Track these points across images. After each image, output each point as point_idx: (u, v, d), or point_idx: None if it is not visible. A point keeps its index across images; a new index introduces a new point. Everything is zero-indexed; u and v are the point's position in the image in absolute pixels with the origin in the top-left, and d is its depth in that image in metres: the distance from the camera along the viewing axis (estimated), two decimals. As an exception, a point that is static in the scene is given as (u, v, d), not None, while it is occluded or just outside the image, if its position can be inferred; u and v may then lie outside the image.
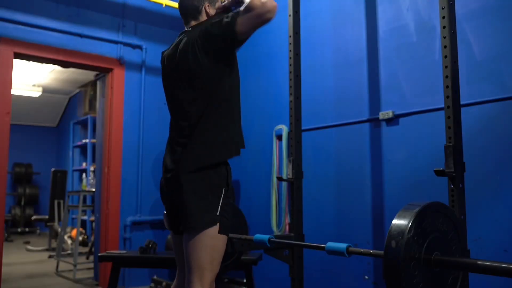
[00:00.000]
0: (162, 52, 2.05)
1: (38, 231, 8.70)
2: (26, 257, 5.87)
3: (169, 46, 2.04)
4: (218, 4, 1.95)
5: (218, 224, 1.70)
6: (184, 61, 1.79)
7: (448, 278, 1.54)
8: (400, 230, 1.40)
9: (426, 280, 1.42)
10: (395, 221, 1.45)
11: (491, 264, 1.42)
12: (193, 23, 1.93)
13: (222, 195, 1.74)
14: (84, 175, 7.24)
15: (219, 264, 1.74)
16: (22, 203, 8.78)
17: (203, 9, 1.92)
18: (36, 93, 7.46)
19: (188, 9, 1.92)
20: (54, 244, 6.40)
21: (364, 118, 3.01)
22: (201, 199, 1.70)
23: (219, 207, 1.72)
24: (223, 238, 1.73)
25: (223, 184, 1.76)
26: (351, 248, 1.73)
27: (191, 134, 1.76)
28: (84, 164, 7.56)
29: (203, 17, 1.92)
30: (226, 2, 1.86)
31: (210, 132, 1.77)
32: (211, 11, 1.93)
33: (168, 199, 1.84)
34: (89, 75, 6.57)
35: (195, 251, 1.68)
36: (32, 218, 8.07)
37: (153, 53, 4.33)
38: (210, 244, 1.69)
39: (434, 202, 1.51)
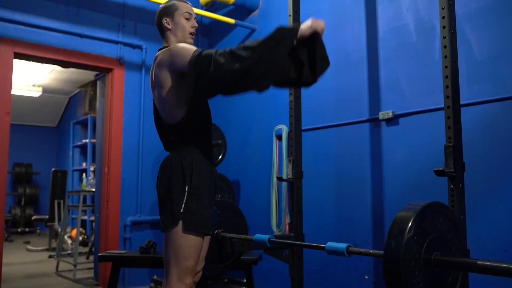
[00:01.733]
0: None
1: (38, 231, 8.70)
2: (26, 257, 5.87)
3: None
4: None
5: (180, 223, 1.76)
6: None
7: (448, 278, 1.54)
8: (400, 230, 1.40)
9: (426, 280, 1.42)
10: (395, 221, 1.45)
11: (491, 264, 1.42)
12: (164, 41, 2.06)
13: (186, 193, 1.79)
14: (84, 175, 7.24)
15: (188, 259, 1.76)
16: (22, 203, 8.78)
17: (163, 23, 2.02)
18: (36, 93, 7.46)
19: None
20: (54, 244, 6.40)
21: (364, 118, 3.01)
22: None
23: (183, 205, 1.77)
24: (188, 236, 1.76)
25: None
26: (351, 248, 1.73)
27: None
28: (84, 164, 7.57)
29: (168, 38, 2.03)
30: None
31: None
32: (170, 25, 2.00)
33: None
34: (89, 75, 6.58)
35: (164, 250, 1.82)
36: (32, 218, 8.07)
37: (153, 53, 4.29)
38: (174, 243, 1.77)
39: (434, 202, 1.51)
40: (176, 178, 1.79)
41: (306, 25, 1.68)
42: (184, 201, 1.76)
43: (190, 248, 1.75)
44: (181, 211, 1.76)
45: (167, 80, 1.80)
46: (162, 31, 2.03)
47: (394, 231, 1.42)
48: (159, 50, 1.97)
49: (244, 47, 1.56)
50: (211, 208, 1.87)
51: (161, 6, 2.03)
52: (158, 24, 2.03)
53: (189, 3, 2.05)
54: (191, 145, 1.85)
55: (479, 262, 1.43)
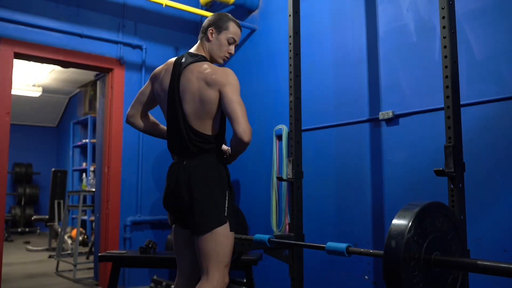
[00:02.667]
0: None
1: (38, 231, 8.70)
2: (26, 257, 5.87)
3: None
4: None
5: (225, 224, 1.91)
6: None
7: (448, 278, 1.53)
8: (400, 230, 1.40)
9: (426, 280, 1.42)
10: (395, 221, 1.45)
11: (491, 264, 1.42)
12: (199, 45, 2.08)
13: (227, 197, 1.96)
14: (84, 175, 7.24)
15: (228, 257, 1.93)
16: (22, 203, 8.79)
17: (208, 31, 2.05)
18: (36, 93, 7.46)
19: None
20: (54, 244, 6.40)
21: (364, 118, 3.01)
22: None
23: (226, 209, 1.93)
24: (229, 237, 1.93)
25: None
26: (351, 248, 1.73)
27: None
28: (84, 164, 7.57)
29: (205, 45, 2.06)
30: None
31: None
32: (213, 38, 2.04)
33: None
34: (89, 75, 6.58)
35: (201, 250, 1.89)
36: (32, 218, 8.07)
37: (153, 53, 4.33)
38: (216, 242, 1.88)
39: (434, 202, 1.51)
40: (217, 183, 1.93)
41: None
42: (227, 205, 1.93)
43: (231, 246, 1.93)
44: (225, 214, 1.91)
45: (214, 98, 1.91)
46: (203, 36, 2.06)
47: (394, 231, 1.41)
48: (190, 54, 2.02)
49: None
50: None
51: (217, 14, 2.07)
52: (203, 27, 2.06)
53: (241, 29, 2.10)
54: (218, 154, 2.01)
55: (479, 262, 1.43)
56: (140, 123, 2.25)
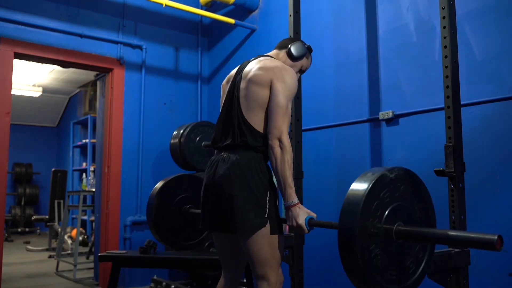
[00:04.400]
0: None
1: (38, 231, 8.70)
2: (26, 257, 5.86)
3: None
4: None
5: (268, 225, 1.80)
6: None
7: (414, 251, 1.44)
8: (356, 198, 1.30)
9: (387, 253, 1.33)
10: (352, 188, 1.35)
11: (462, 234, 1.34)
12: (275, 51, 2.08)
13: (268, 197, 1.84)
14: (84, 175, 7.24)
15: (279, 257, 1.85)
16: (22, 203, 8.78)
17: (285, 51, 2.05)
18: (36, 93, 7.46)
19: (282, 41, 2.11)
20: (54, 244, 6.40)
21: (364, 118, 3.01)
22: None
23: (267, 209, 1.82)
24: (277, 236, 1.83)
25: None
26: (312, 220, 1.75)
27: None
28: (84, 164, 7.56)
29: (282, 56, 2.05)
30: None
31: None
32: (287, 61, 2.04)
33: None
34: (89, 75, 6.57)
35: (255, 253, 1.80)
36: (32, 218, 8.06)
37: (153, 53, 4.33)
38: (267, 243, 1.80)
39: (396, 168, 1.42)
40: (258, 181, 1.83)
41: (295, 222, 1.78)
42: (268, 206, 1.83)
43: (277, 248, 1.84)
44: (266, 215, 1.81)
45: (267, 86, 1.86)
46: (290, 53, 2.03)
47: (349, 199, 1.32)
48: (266, 55, 2.03)
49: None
50: None
51: (306, 45, 2.09)
52: (288, 43, 2.05)
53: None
54: (264, 154, 1.90)
55: (449, 232, 1.35)
56: None
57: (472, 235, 1.31)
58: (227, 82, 2.04)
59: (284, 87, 1.84)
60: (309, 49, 2.09)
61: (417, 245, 1.46)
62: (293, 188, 1.80)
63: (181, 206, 2.46)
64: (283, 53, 2.04)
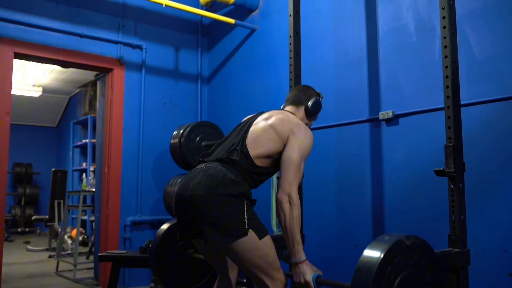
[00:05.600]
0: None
1: (38, 231, 8.70)
2: (26, 257, 5.86)
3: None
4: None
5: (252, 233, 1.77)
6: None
7: None
8: (370, 264, 1.30)
9: None
10: (366, 253, 1.34)
11: None
12: (292, 108, 2.12)
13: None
14: (84, 175, 7.24)
15: (274, 259, 1.83)
16: (22, 203, 8.78)
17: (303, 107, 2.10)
18: (36, 93, 7.46)
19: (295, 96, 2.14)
20: (54, 244, 6.40)
21: (364, 118, 3.01)
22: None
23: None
24: (264, 242, 1.80)
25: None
26: (320, 279, 1.75)
27: None
28: (84, 164, 7.56)
29: (300, 113, 2.10)
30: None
31: None
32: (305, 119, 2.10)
33: None
34: (89, 75, 6.57)
35: (246, 264, 1.79)
36: (32, 218, 8.06)
37: (153, 53, 4.33)
38: (255, 253, 1.77)
39: (411, 236, 1.42)
40: (235, 191, 1.79)
41: (302, 278, 1.78)
42: (246, 216, 1.78)
43: (269, 253, 1.81)
44: (246, 226, 1.77)
45: (282, 139, 1.89)
46: (308, 111, 2.09)
47: (363, 264, 1.31)
48: (287, 111, 2.09)
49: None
50: None
51: (319, 94, 2.16)
52: (310, 105, 2.09)
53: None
54: (246, 172, 1.88)
55: None
56: None
57: None
58: (244, 121, 2.09)
59: (301, 145, 1.87)
60: (320, 97, 2.16)
61: None
62: (301, 244, 1.80)
63: (184, 250, 2.43)
64: (302, 111, 2.08)
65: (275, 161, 1.90)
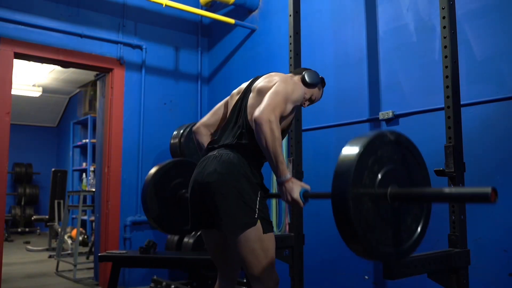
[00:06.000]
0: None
1: (38, 231, 8.70)
2: (26, 257, 5.87)
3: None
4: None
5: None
6: None
7: (411, 213, 1.41)
8: (348, 163, 1.27)
9: (383, 217, 1.31)
10: (343, 153, 1.31)
11: (457, 190, 1.31)
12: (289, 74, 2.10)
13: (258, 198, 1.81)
14: (84, 175, 7.24)
15: (271, 257, 1.82)
16: (22, 203, 8.78)
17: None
18: (36, 93, 7.46)
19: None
20: (54, 244, 6.40)
21: (364, 118, 3.01)
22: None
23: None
24: (268, 236, 1.80)
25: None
26: (307, 193, 1.74)
27: None
28: (84, 164, 7.56)
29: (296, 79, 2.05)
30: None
31: None
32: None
33: None
34: (89, 75, 6.57)
35: (246, 254, 1.78)
36: (32, 218, 8.06)
37: (153, 53, 4.33)
38: (259, 244, 1.77)
39: (387, 131, 1.39)
40: (247, 180, 1.80)
41: (289, 196, 1.76)
42: (258, 206, 1.79)
43: (269, 249, 1.81)
44: (256, 216, 1.78)
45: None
46: (303, 78, 2.03)
47: (340, 164, 1.27)
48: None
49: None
50: None
51: (322, 77, 2.10)
52: (306, 73, 2.04)
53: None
54: (258, 155, 1.86)
55: (444, 190, 1.32)
56: (207, 139, 2.11)
57: (466, 190, 1.30)
58: (237, 93, 2.06)
59: (286, 86, 1.86)
60: (322, 81, 2.10)
61: (414, 209, 1.43)
62: (285, 163, 1.76)
63: (176, 191, 2.44)
64: (297, 77, 2.05)
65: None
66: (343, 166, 1.29)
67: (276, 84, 1.86)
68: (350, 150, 1.30)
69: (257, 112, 1.74)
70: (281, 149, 1.75)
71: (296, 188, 1.74)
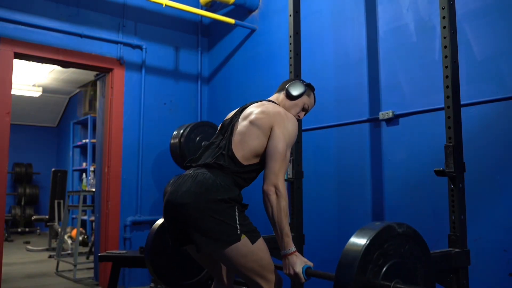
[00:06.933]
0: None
1: (38, 231, 8.70)
2: (26, 257, 5.86)
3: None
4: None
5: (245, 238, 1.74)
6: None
7: None
8: (353, 254, 1.26)
9: None
10: (350, 242, 1.31)
11: None
12: (275, 95, 2.09)
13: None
14: (84, 175, 7.23)
15: (268, 262, 1.80)
16: (22, 203, 8.78)
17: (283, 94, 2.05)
18: (36, 93, 7.46)
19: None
20: (54, 244, 6.40)
21: (364, 118, 3.01)
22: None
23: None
24: (257, 246, 1.77)
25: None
26: (309, 270, 1.71)
27: None
28: (84, 164, 7.56)
29: (282, 98, 2.05)
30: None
31: None
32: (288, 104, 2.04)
33: None
34: (89, 75, 6.57)
35: (242, 270, 1.76)
36: (32, 218, 8.06)
37: (153, 53, 4.33)
38: (249, 257, 1.75)
39: (398, 223, 1.38)
40: (225, 197, 1.75)
41: (292, 270, 1.73)
42: (238, 221, 1.75)
43: (263, 256, 1.79)
44: (238, 232, 1.74)
45: (265, 133, 1.85)
46: (288, 93, 2.03)
47: (346, 254, 1.27)
48: (267, 100, 2.05)
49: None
50: None
51: (305, 83, 2.08)
52: (289, 87, 2.04)
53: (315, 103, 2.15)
54: (234, 175, 1.84)
55: None
56: None
57: None
58: (227, 119, 2.05)
59: (286, 133, 1.83)
60: (309, 87, 2.07)
61: None
62: (290, 236, 1.74)
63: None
64: (282, 95, 2.03)
65: (264, 156, 1.86)
66: (348, 257, 1.27)
67: (275, 133, 1.82)
68: (357, 241, 1.30)
69: (264, 183, 1.75)
70: (287, 219, 1.74)
71: (299, 263, 1.72)
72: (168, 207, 1.80)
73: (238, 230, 1.72)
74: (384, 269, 1.30)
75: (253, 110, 1.93)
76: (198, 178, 1.76)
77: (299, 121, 2.60)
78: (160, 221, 2.38)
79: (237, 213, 1.75)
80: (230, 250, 1.70)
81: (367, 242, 1.27)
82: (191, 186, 1.74)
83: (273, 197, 1.73)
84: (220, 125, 2.07)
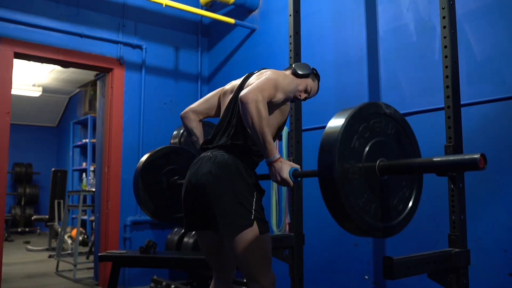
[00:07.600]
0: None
1: (38, 231, 8.70)
2: (26, 257, 5.87)
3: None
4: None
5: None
6: None
7: (402, 185, 1.36)
8: (333, 137, 1.20)
9: (372, 191, 1.26)
10: (327, 128, 1.25)
11: (446, 158, 1.28)
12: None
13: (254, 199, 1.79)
14: (84, 175, 7.24)
15: (269, 257, 1.82)
16: (22, 203, 8.78)
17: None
18: (36, 93, 7.46)
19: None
20: (54, 244, 6.40)
21: (364, 118, 3.01)
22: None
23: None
24: (264, 237, 1.79)
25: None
26: (296, 172, 1.70)
27: None
28: (84, 164, 7.56)
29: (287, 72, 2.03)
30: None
31: None
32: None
33: None
34: (89, 75, 6.57)
35: (243, 255, 1.76)
36: (32, 218, 8.06)
37: (153, 53, 4.33)
38: (255, 245, 1.76)
39: (372, 103, 1.34)
40: (243, 181, 1.78)
41: (279, 176, 1.72)
42: (254, 207, 1.78)
43: (266, 249, 1.81)
44: (252, 217, 1.76)
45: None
46: (294, 70, 2.02)
47: (325, 139, 1.21)
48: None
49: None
50: None
51: (315, 69, 2.08)
52: (296, 65, 2.03)
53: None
54: (254, 155, 1.86)
55: (434, 159, 1.27)
56: (196, 124, 2.20)
57: (455, 158, 1.26)
58: (231, 91, 2.02)
59: (277, 75, 1.84)
60: (315, 73, 2.07)
61: (403, 182, 1.38)
62: (273, 143, 1.72)
63: (168, 178, 2.41)
64: (288, 72, 2.03)
65: (273, 126, 1.89)
66: (334, 125, 1.22)
67: (266, 74, 1.86)
68: (343, 112, 1.25)
69: (243, 91, 1.71)
70: (268, 129, 1.70)
71: (285, 167, 1.70)
72: (188, 187, 1.85)
73: (252, 215, 1.75)
74: (369, 144, 1.25)
75: (253, 78, 1.94)
76: (218, 159, 1.80)
77: (299, 104, 2.59)
78: (145, 157, 2.39)
79: (254, 199, 1.78)
80: (241, 235, 1.73)
81: (354, 111, 1.23)
82: (212, 168, 1.78)
83: (252, 105, 1.66)
84: (220, 92, 2.08)
